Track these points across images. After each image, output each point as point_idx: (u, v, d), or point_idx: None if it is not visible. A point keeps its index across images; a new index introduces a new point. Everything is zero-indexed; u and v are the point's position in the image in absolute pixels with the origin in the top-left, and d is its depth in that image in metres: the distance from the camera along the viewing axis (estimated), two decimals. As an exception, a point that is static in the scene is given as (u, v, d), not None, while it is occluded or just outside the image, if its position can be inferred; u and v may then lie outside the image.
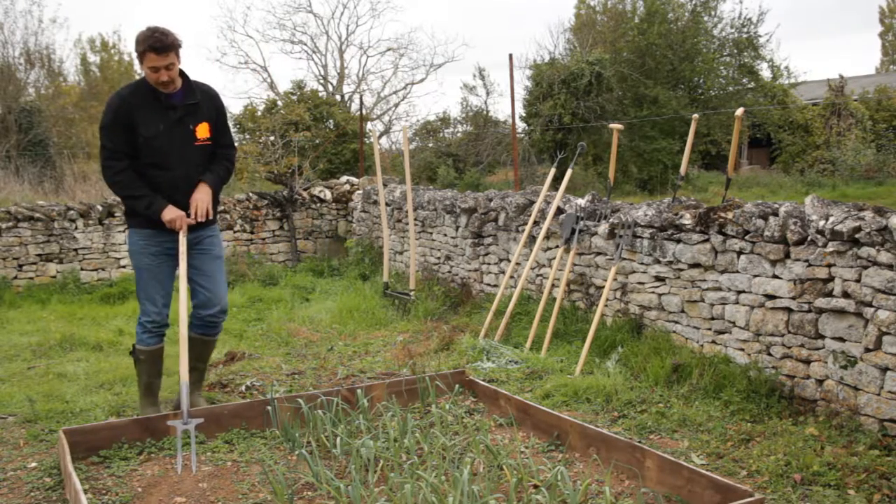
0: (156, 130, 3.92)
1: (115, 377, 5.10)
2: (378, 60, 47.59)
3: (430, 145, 20.78)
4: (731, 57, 20.39)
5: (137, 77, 22.77)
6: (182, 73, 4.01)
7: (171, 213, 3.97)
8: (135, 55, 3.95)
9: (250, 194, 10.20)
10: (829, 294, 3.90)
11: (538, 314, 5.69)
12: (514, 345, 5.70)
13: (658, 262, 5.04)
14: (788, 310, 4.15)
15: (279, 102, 19.57)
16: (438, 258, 7.91)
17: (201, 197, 4.06)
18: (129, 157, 3.95)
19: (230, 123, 4.40)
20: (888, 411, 3.59)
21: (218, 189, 4.22)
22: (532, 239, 6.26)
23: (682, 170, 5.67)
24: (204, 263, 4.17)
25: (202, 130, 4.06)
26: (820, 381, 3.98)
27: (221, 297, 4.25)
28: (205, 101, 4.08)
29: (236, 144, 17.20)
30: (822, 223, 3.92)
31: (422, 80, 25.02)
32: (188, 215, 4.04)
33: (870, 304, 3.67)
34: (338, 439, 3.62)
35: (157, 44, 3.76)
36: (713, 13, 20.34)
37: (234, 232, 9.84)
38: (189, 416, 3.64)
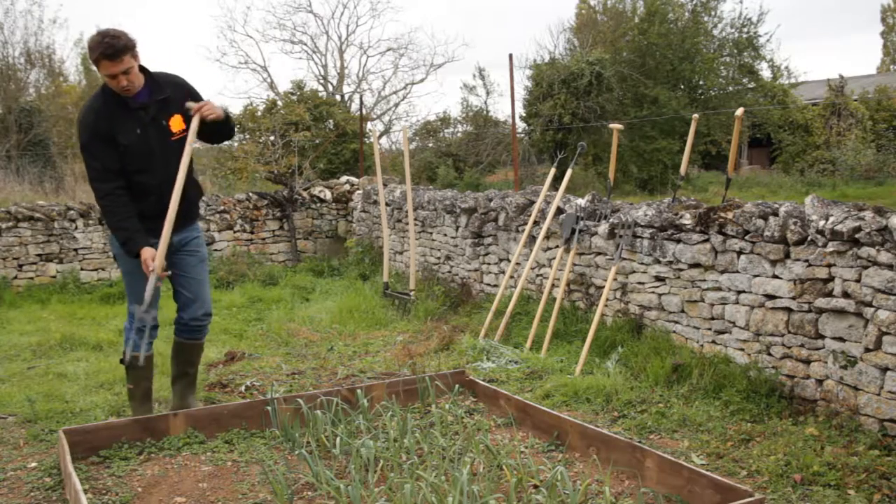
0: (133, 136, 3.78)
1: (115, 377, 5.10)
2: (378, 60, 47.67)
3: (430, 145, 20.78)
4: (731, 57, 20.41)
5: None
6: (143, 69, 3.80)
7: (147, 254, 3.75)
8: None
9: (250, 194, 10.19)
10: (829, 294, 3.90)
11: (538, 314, 5.69)
12: (514, 345, 5.70)
13: (658, 262, 5.04)
14: (788, 310, 4.15)
15: (279, 102, 19.54)
16: (438, 258, 7.91)
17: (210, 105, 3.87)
18: (115, 174, 3.77)
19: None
20: (888, 411, 3.59)
21: (227, 118, 4.01)
22: (532, 239, 6.25)
23: (682, 170, 5.67)
24: (189, 266, 4.07)
25: (176, 123, 3.90)
26: (820, 381, 3.98)
27: (206, 301, 4.15)
28: (173, 93, 3.91)
29: (236, 145, 16.84)
30: (822, 223, 3.92)
31: (422, 80, 25.07)
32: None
33: (870, 304, 3.67)
34: (338, 439, 3.62)
35: (109, 50, 3.57)
36: (713, 13, 20.36)
37: (234, 232, 9.83)
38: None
